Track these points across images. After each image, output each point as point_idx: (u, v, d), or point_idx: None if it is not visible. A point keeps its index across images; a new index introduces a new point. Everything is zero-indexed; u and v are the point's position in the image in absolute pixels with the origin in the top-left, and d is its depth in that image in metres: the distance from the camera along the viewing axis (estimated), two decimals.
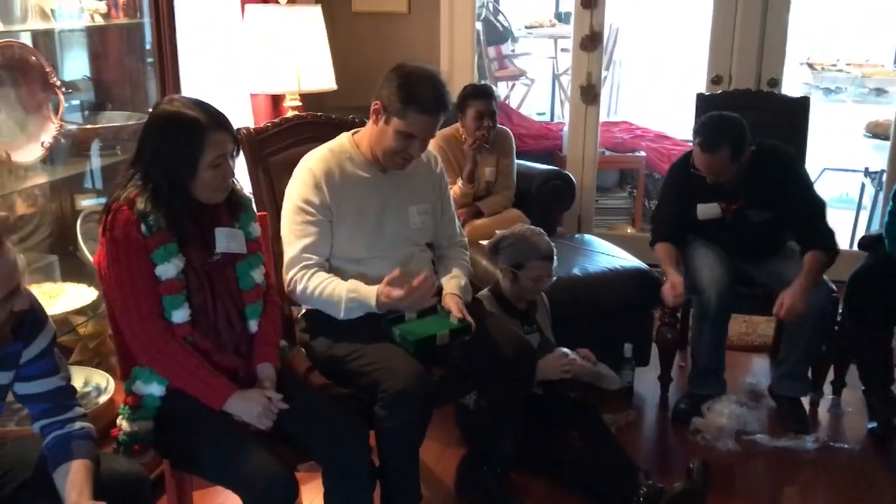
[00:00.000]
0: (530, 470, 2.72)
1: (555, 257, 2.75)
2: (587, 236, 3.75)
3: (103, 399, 2.43)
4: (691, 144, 3.04)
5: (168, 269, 1.92)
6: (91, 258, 2.54)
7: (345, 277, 2.31)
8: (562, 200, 3.85)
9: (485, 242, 3.31)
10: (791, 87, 4.42)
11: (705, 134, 2.90)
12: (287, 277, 2.33)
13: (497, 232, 2.92)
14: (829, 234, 3.01)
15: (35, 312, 1.67)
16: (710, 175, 2.93)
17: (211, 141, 1.90)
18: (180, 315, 1.94)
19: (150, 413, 1.98)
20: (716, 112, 2.99)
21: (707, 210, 3.07)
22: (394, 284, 2.20)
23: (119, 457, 1.88)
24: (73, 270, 2.73)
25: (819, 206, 3.04)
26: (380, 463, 2.20)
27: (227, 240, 2.03)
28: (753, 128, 3.60)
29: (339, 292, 2.26)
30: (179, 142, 1.90)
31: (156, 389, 1.96)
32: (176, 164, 1.91)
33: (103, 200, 2.43)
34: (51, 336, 1.72)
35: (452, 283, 2.43)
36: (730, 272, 3.02)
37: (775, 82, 4.22)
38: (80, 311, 2.61)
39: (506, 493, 2.57)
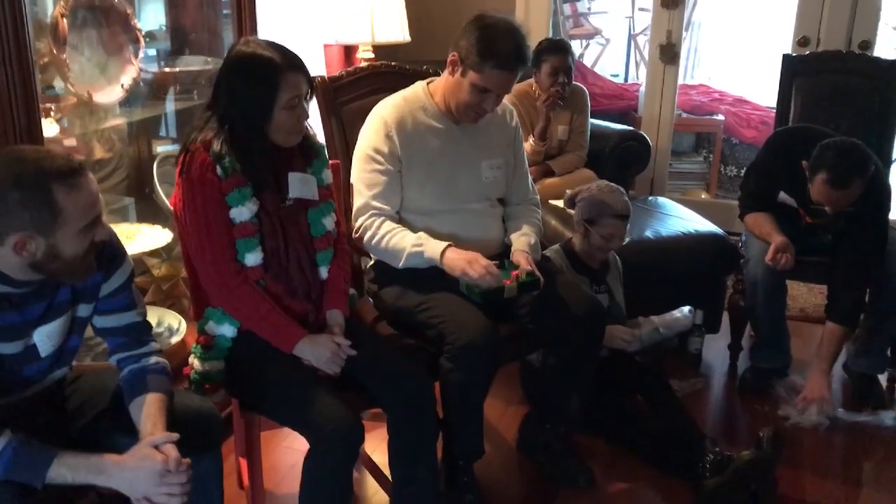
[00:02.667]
0: (594, 432, 2.70)
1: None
2: (661, 199, 3.66)
3: (175, 339, 2.49)
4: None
5: (242, 213, 1.93)
6: (167, 201, 2.58)
7: (414, 230, 2.30)
8: (636, 162, 3.76)
9: (555, 202, 3.26)
10: (881, 51, 4.19)
11: (835, 170, 2.57)
12: (355, 225, 2.32)
13: (568, 191, 2.86)
14: (857, 303, 2.84)
15: (114, 247, 1.70)
16: (834, 209, 2.68)
17: (286, 82, 1.89)
18: (253, 258, 1.95)
19: (222, 353, 2.01)
20: (833, 140, 2.66)
21: (787, 198, 2.93)
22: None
23: (191, 393, 1.91)
24: (149, 213, 2.78)
25: (869, 256, 2.79)
26: (444, 414, 2.20)
27: (300, 185, 2.03)
28: (843, 93, 3.41)
29: (404, 244, 2.25)
30: (255, 82, 1.89)
31: (228, 330, 1.99)
32: (251, 105, 1.90)
33: (178, 146, 2.46)
34: (129, 271, 1.75)
35: (522, 240, 2.39)
36: None
37: (867, 45, 4.01)
38: (154, 253, 2.67)
39: (568, 454, 2.55)
